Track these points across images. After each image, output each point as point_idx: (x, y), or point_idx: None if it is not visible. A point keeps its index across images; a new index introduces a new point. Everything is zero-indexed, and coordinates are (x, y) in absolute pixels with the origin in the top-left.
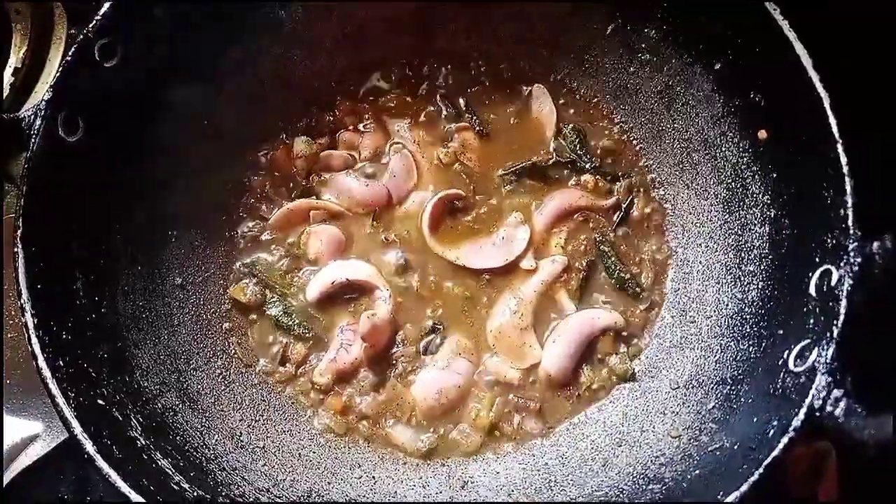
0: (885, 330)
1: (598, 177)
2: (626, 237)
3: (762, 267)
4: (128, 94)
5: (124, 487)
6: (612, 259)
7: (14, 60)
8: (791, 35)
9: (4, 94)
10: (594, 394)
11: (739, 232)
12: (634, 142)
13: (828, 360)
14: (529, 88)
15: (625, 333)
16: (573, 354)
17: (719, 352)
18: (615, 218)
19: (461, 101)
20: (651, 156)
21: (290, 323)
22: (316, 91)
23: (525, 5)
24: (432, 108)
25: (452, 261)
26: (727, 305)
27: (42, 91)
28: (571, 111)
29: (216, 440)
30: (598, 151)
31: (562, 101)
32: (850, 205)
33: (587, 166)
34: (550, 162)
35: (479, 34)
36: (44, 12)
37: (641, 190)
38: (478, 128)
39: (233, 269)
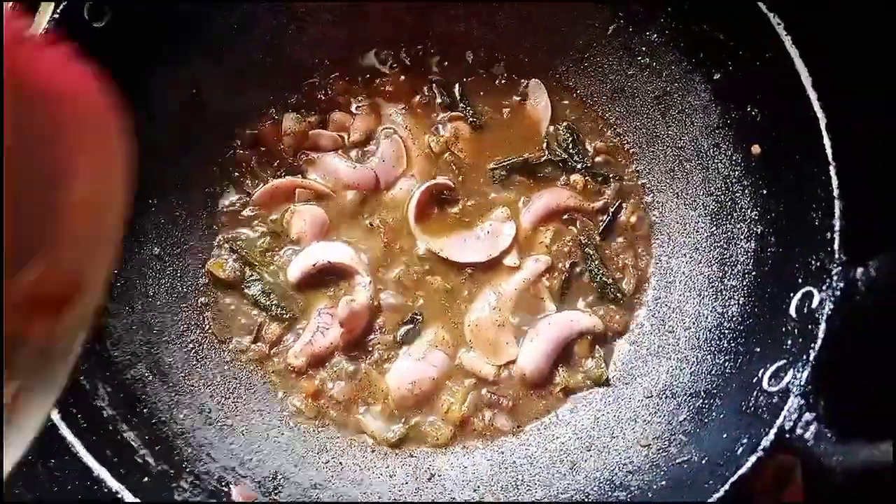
0: (861, 357)
1: (588, 178)
2: (611, 242)
3: (745, 283)
4: (114, 54)
5: (87, 457)
6: (596, 262)
7: None
8: (793, 51)
9: None
10: (567, 395)
11: (725, 245)
12: (627, 146)
13: (802, 383)
14: (526, 83)
15: (602, 338)
16: (549, 355)
17: (695, 364)
18: (602, 221)
19: (456, 89)
20: (643, 161)
21: (268, 302)
22: (309, 67)
23: None
24: (427, 95)
25: (436, 252)
26: (706, 318)
27: None
28: (567, 110)
29: (184, 415)
30: (591, 152)
31: (557, 99)
32: (837, 228)
33: (578, 166)
34: (542, 159)
35: (478, 22)
36: None
37: (630, 195)
38: (471, 119)
39: (212, 244)
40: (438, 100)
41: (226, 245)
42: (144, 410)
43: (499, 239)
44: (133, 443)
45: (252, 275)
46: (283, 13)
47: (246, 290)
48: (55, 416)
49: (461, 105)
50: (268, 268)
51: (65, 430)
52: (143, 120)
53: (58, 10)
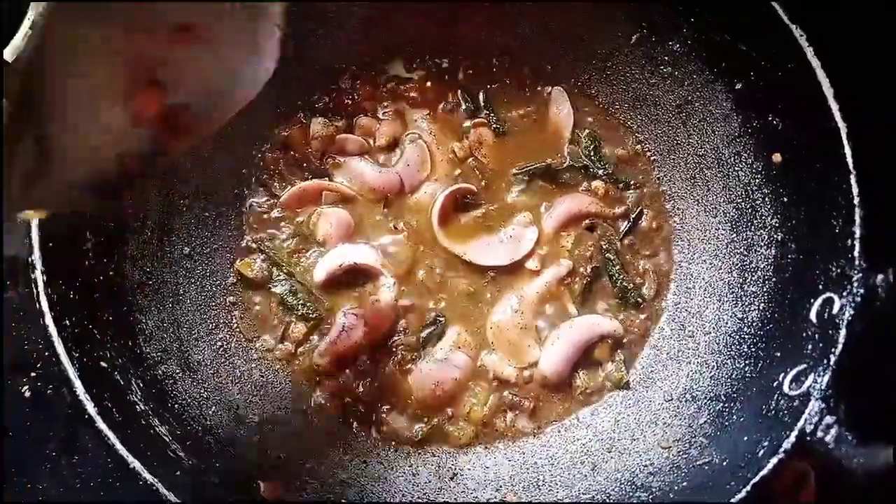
0: (882, 361)
1: (609, 184)
2: (631, 247)
3: (765, 289)
4: None
5: (123, 451)
6: (617, 268)
7: None
8: (815, 62)
9: None
10: (588, 398)
11: (745, 252)
12: (649, 153)
13: (823, 387)
14: (549, 90)
15: (623, 342)
16: (570, 358)
17: (715, 368)
18: (623, 227)
19: (481, 96)
20: (664, 168)
21: (295, 302)
22: (337, 73)
23: (551, 5)
24: (451, 101)
25: (459, 255)
26: (727, 323)
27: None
28: (589, 118)
29: (213, 411)
30: (613, 159)
31: (580, 106)
32: (858, 236)
33: (600, 172)
34: (564, 165)
35: (502, 31)
36: None
37: (651, 201)
38: (494, 125)
39: (241, 244)
40: (463, 106)
41: (254, 245)
42: (175, 406)
43: (521, 243)
44: (165, 437)
45: (279, 275)
46: (312, 17)
47: (273, 290)
48: (91, 410)
49: (485, 111)
50: (295, 268)
51: (101, 425)
52: None
53: None
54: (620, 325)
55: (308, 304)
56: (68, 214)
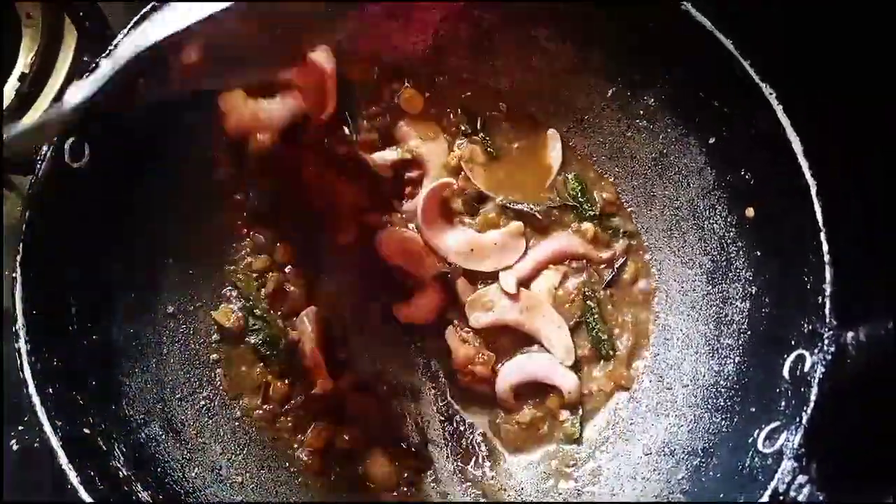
0: (852, 421)
1: (598, 228)
2: (611, 297)
3: (740, 342)
4: (133, 122)
5: None
6: (595, 317)
7: (22, 65)
8: (784, 120)
9: (9, 100)
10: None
11: (721, 304)
12: (626, 204)
13: (795, 445)
14: (545, 132)
15: (576, 401)
16: (514, 382)
17: (693, 422)
18: (607, 275)
19: (479, 119)
20: (641, 219)
21: (268, 353)
22: None
23: (532, 59)
24: (452, 121)
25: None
26: (704, 376)
27: (46, 101)
28: (570, 164)
29: (196, 473)
30: (599, 203)
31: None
32: (828, 293)
33: (589, 214)
34: (552, 206)
35: (486, 79)
36: (54, 20)
37: (635, 251)
38: (488, 148)
39: (222, 296)
40: (462, 127)
41: (233, 294)
42: (158, 469)
43: (506, 252)
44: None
45: (255, 323)
46: None
47: (248, 339)
48: (74, 480)
49: (481, 133)
50: (273, 317)
51: (84, 495)
52: (157, 181)
53: None
54: (577, 382)
55: (282, 354)
56: (52, 277)
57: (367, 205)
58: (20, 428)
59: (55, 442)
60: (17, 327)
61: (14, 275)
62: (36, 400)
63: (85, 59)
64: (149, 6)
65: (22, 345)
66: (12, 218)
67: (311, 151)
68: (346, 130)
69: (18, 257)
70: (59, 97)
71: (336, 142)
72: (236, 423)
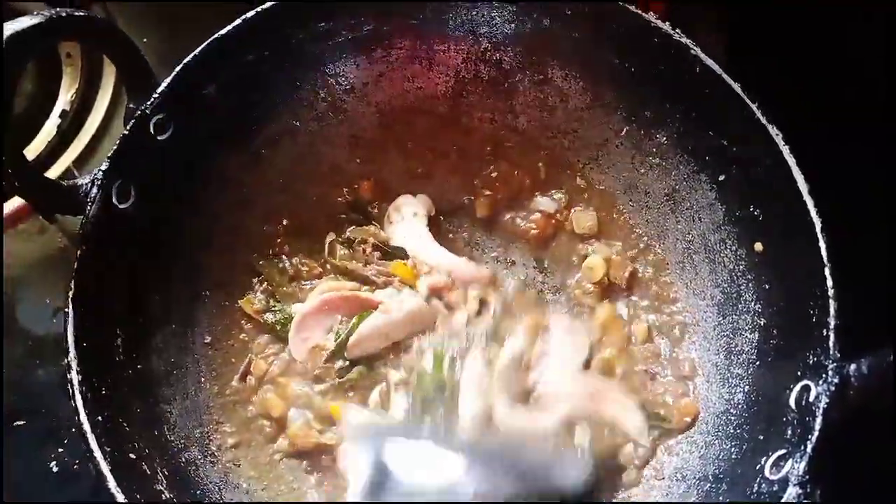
0: (854, 450)
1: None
2: None
3: (749, 372)
4: (176, 163)
5: None
6: None
7: (62, 103)
8: (790, 160)
9: (50, 137)
10: None
11: (731, 335)
12: (643, 238)
13: (800, 473)
14: None
15: None
16: None
17: (703, 448)
18: None
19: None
20: (657, 253)
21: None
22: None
23: (548, 98)
24: None
25: None
26: (714, 404)
27: (87, 137)
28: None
29: (230, 497)
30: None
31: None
32: (832, 326)
33: None
34: None
35: (503, 121)
36: (93, 58)
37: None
38: None
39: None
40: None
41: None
42: (196, 492)
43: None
44: None
45: (275, 305)
46: (325, 115)
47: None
48: (121, 500)
49: None
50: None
51: None
52: (196, 217)
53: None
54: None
55: None
56: (100, 312)
57: None
58: (59, 450)
59: (104, 466)
60: (69, 359)
61: (66, 310)
62: (87, 427)
63: (122, 99)
64: (190, 56)
65: (74, 375)
66: (51, 249)
67: None
68: None
69: (71, 293)
70: (97, 135)
71: None
72: (270, 447)
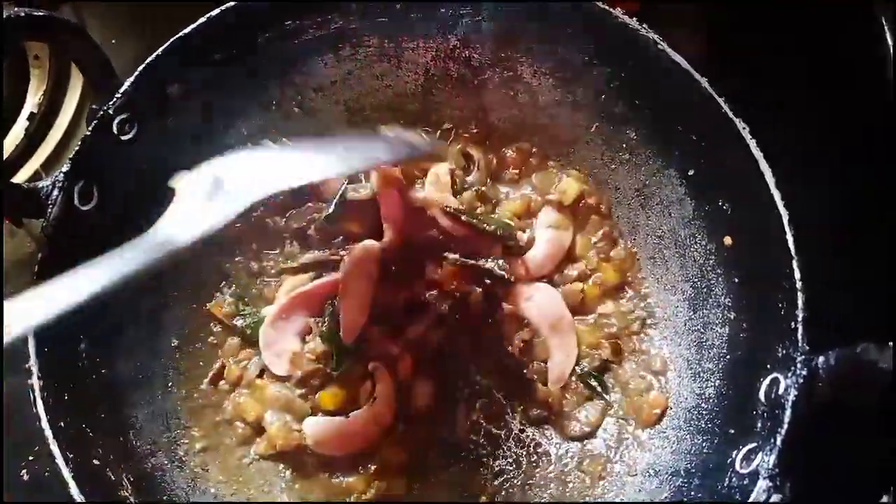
0: (823, 442)
1: None
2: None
3: (720, 366)
4: (139, 164)
5: None
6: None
7: (30, 105)
8: (757, 153)
9: (18, 140)
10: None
11: (702, 329)
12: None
13: (770, 466)
14: None
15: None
16: None
17: (675, 442)
18: None
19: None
20: (627, 248)
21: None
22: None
23: (518, 95)
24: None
25: None
26: (686, 398)
27: (55, 140)
28: None
29: (199, 501)
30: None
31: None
32: (800, 318)
33: None
34: None
35: (475, 118)
36: (61, 60)
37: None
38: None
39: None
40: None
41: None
42: (163, 498)
43: None
44: None
45: (244, 309)
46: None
47: (235, 323)
48: None
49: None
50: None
51: None
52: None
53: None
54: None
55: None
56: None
57: None
58: (30, 458)
59: (66, 473)
60: (29, 364)
61: None
62: (48, 433)
63: (90, 101)
64: (153, 55)
65: (35, 381)
66: (21, 253)
67: None
68: None
69: None
70: (65, 137)
71: None
72: (238, 451)
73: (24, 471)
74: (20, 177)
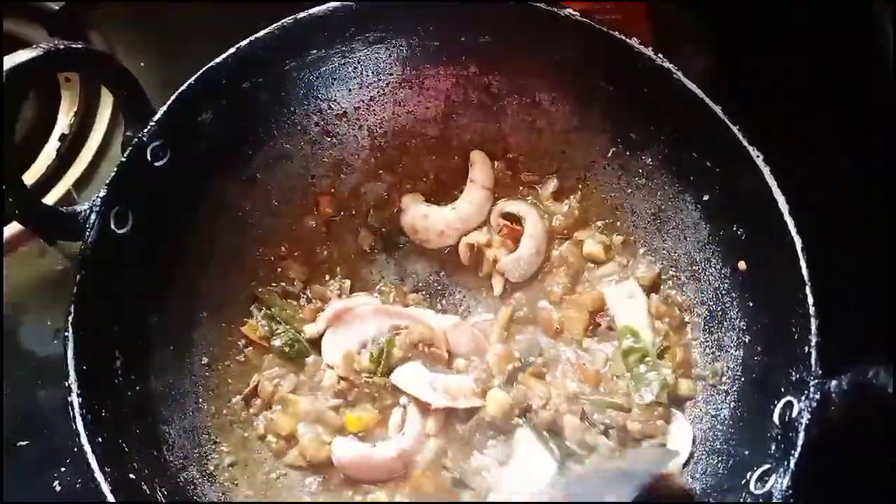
0: (835, 466)
1: None
2: None
3: (735, 388)
4: (173, 189)
5: None
6: None
7: (62, 126)
8: (771, 181)
9: (49, 160)
10: None
11: (717, 352)
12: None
13: (783, 488)
14: None
15: None
16: None
17: (692, 463)
18: None
19: None
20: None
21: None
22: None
23: (536, 121)
24: None
25: None
26: (702, 420)
27: (86, 160)
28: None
29: None
30: None
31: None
32: (814, 343)
33: None
34: None
35: (493, 143)
36: (91, 81)
37: None
38: None
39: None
40: None
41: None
42: None
43: None
44: None
45: (278, 328)
46: (318, 139)
47: (273, 343)
48: None
49: None
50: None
51: None
52: (193, 241)
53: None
54: None
55: None
56: (99, 335)
57: None
58: (62, 470)
59: (105, 487)
60: (69, 382)
61: (66, 333)
62: (87, 448)
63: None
64: (185, 85)
65: (74, 398)
66: (53, 272)
67: None
68: None
69: (70, 317)
70: (97, 157)
71: None
72: (266, 465)
73: (56, 482)
74: (51, 197)
